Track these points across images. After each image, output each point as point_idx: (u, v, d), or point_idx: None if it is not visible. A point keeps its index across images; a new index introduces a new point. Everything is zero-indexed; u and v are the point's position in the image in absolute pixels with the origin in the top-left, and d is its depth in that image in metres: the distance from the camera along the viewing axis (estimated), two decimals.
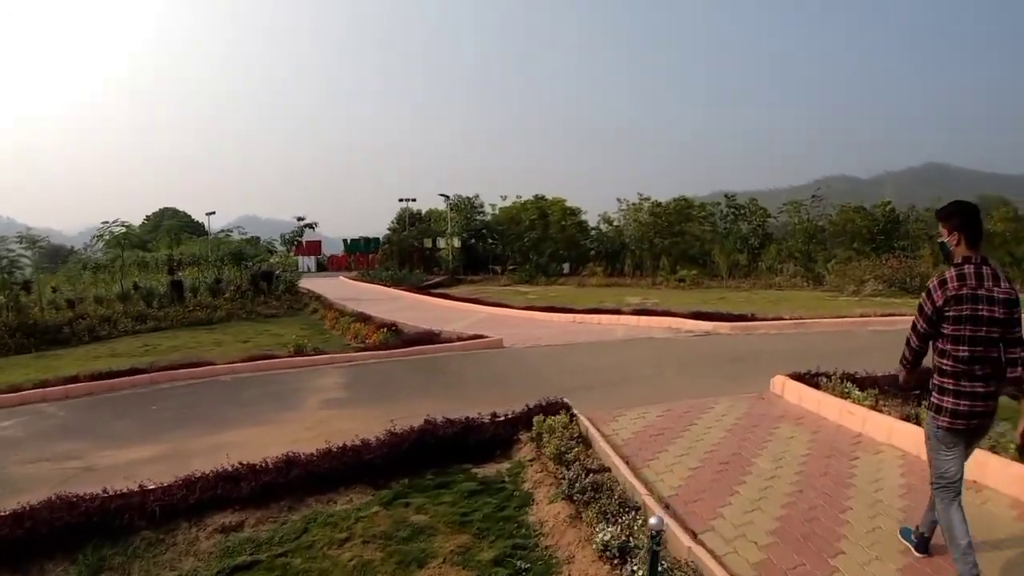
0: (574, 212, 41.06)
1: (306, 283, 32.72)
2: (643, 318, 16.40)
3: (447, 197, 46.03)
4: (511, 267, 39.33)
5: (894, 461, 5.74)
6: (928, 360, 3.80)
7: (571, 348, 13.46)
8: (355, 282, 38.63)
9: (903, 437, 6.01)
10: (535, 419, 6.58)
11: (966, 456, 3.73)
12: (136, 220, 75.29)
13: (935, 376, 3.71)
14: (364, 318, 17.71)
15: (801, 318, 15.22)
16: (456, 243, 42.61)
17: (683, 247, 35.99)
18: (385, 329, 15.29)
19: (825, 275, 29.00)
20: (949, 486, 3.65)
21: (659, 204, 37.71)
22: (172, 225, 68.33)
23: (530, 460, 6.18)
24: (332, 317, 19.60)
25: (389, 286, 33.80)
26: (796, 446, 6.19)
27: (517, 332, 15.79)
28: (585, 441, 6.29)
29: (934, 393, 3.70)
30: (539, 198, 42.76)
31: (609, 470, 5.55)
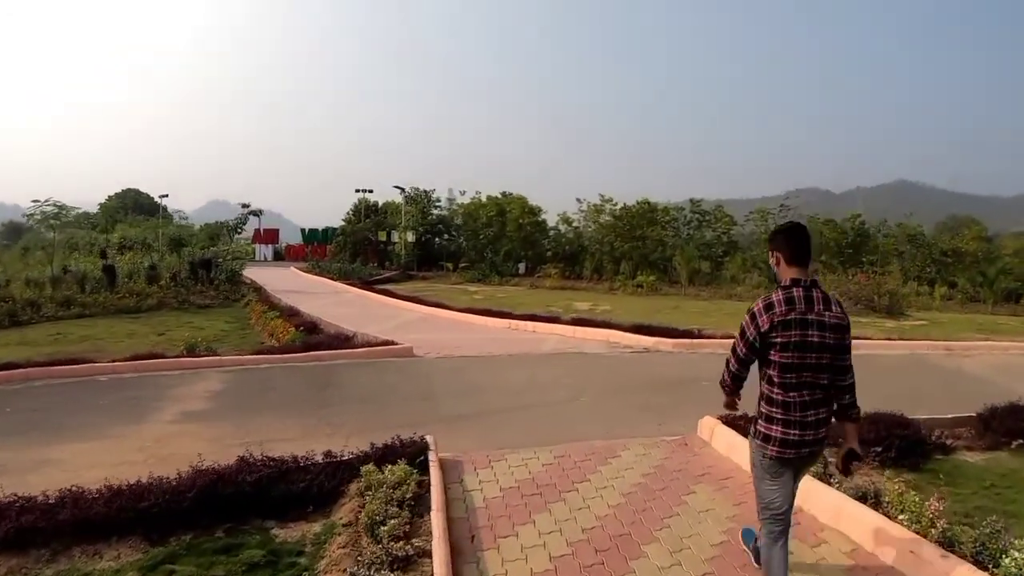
0: (534, 211, 39.08)
1: (254, 273, 31.66)
2: (580, 329, 14.68)
3: (402, 189, 43.67)
4: (463, 264, 37.34)
5: (838, 556, 4.15)
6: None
7: (487, 361, 11.72)
8: (305, 274, 36.87)
9: (853, 523, 4.38)
10: (364, 468, 4.90)
11: (794, 485, 3.55)
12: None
13: (762, 404, 3.47)
14: (291, 313, 16.37)
15: None
16: (410, 237, 40.33)
17: (644, 252, 34.44)
18: (300, 328, 13.86)
19: None
20: (776, 518, 3.46)
21: (623, 206, 36.15)
22: (110, 206, 65.63)
23: (345, 525, 4.49)
24: (259, 311, 18.06)
25: (335, 279, 31.98)
26: (711, 524, 4.56)
27: (440, 337, 14.16)
28: (423, 503, 4.61)
29: (761, 422, 3.46)
30: (506, 194, 40.91)
31: (429, 556, 3.88)
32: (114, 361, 10.84)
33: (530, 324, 15.66)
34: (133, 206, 68.00)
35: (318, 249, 49.27)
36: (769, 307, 3.27)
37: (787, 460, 3.38)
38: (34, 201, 24.41)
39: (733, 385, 3.54)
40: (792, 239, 3.38)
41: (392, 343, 12.31)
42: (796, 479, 3.56)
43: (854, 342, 3.55)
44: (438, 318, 18.27)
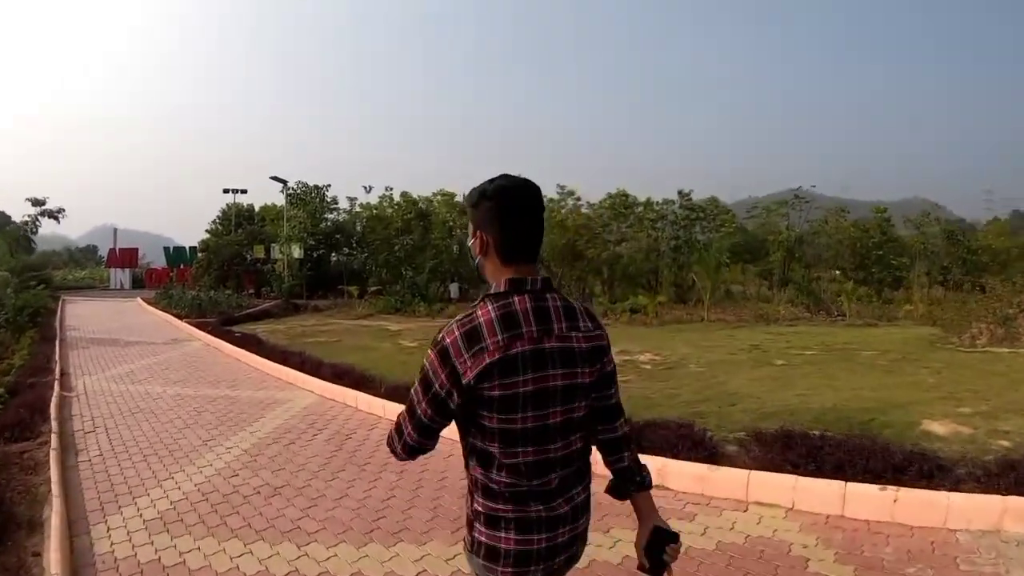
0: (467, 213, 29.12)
1: (81, 307, 26.34)
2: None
3: (284, 183, 30.89)
4: (373, 288, 26.76)
5: None
6: None
7: None
8: (150, 307, 26.13)
9: None
10: None
11: None
12: None
13: (478, 499, 1.95)
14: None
15: None
16: (296, 252, 28.80)
17: (626, 263, 25.61)
18: None
19: (841, 304, 19.69)
20: None
21: (588, 203, 27.30)
22: None
23: None
24: None
25: (184, 318, 21.23)
26: None
27: None
28: None
29: (480, 527, 1.95)
30: (447, 195, 31.24)
31: None
32: None
33: None
34: None
35: (184, 272, 37.90)
36: (473, 336, 1.78)
37: None
38: None
39: (401, 458, 2.00)
40: (513, 213, 1.86)
41: None
42: None
43: None
44: (357, 421, 8.27)
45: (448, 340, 1.79)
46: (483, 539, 1.92)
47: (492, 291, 1.87)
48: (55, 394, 9.30)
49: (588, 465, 2.06)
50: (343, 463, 6.45)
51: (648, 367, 10.94)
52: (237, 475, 6.10)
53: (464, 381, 1.76)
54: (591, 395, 1.97)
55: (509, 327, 1.78)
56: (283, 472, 6.18)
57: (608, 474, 2.15)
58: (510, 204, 1.86)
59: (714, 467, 5.51)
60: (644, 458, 5.41)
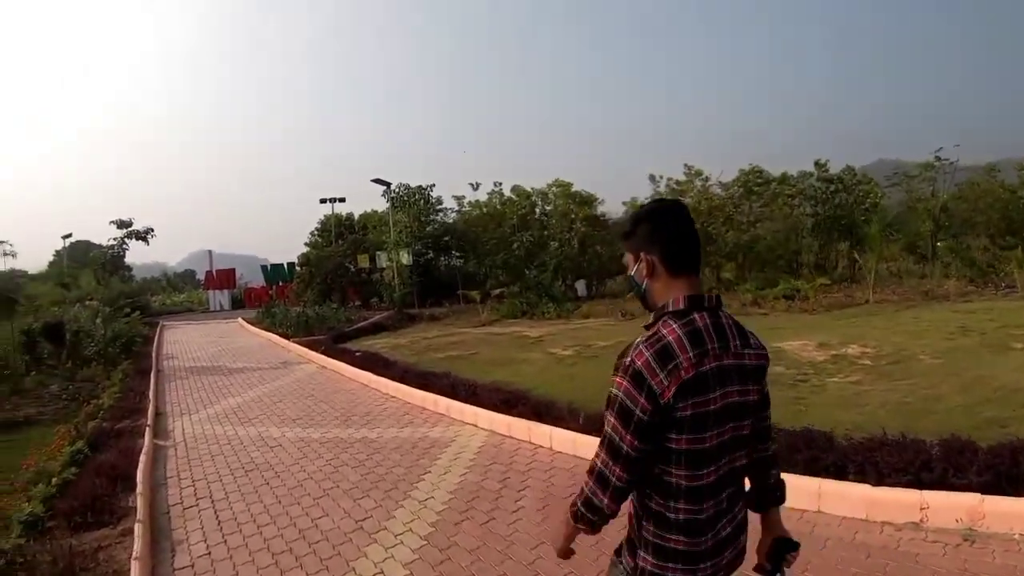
0: (587, 201, 26.08)
1: (180, 332, 25.30)
2: None
3: (387, 185, 28.58)
4: (496, 291, 24.16)
5: None
6: None
7: None
8: (252, 327, 24.66)
9: None
10: None
11: None
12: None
13: (647, 527, 1.83)
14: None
15: None
16: (404, 259, 26.34)
17: (770, 243, 22.56)
18: None
19: (1011, 275, 17.00)
20: None
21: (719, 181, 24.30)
22: (59, 262, 53.96)
23: None
24: (54, 449, 7.49)
25: (291, 337, 19.14)
26: None
27: None
28: None
29: (646, 556, 1.82)
30: (563, 185, 28.05)
31: None
32: None
33: None
34: (86, 259, 56.63)
35: (284, 289, 36.64)
36: (665, 355, 1.70)
37: None
38: None
39: (613, 509, 1.81)
40: (671, 226, 1.84)
41: None
42: None
43: None
44: None
45: (640, 362, 1.70)
46: (648, 567, 1.81)
47: (670, 309, 1.79)
48: (146, 445, 7.10)
49: (743, 484, 1.95)
50: (592, 548, 3.81)
51: (867, 362, 8.68)
52: None
53: (662, 401, 1.68)
54: (758, 415, 1.91)
55: (697, 344, 1.72)
56: None
57: None
58: (667, 219, 1.83)
59: None
60: None
